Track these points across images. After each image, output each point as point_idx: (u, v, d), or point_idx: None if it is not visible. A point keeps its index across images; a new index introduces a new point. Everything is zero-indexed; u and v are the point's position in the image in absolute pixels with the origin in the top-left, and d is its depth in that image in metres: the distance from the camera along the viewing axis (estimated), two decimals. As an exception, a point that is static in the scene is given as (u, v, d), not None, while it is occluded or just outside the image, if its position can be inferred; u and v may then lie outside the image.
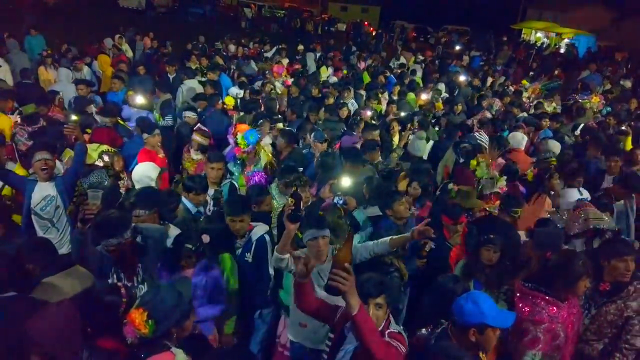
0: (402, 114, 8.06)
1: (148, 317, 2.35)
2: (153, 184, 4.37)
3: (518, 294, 3.19)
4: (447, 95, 10.93)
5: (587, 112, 9.47)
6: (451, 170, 6.32)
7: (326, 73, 12.56)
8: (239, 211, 3.77)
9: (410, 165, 5.82)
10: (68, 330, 2.38)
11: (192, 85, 8.93)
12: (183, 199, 4.25)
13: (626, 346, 3.16)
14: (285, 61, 13.18)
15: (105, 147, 5.40)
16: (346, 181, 4.22)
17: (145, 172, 4.46)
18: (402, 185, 5.23)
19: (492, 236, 3.66)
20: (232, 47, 15.33)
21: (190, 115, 6.75)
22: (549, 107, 10.00)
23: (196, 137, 5.64)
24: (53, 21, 16.79)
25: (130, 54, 13.12)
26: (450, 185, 4.75)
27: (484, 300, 2.59)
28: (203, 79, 9.44)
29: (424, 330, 2.84)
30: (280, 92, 9.78)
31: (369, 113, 7.93)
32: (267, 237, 3.82)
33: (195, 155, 5.68)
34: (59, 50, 11.41)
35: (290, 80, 10.69)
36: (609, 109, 10.12)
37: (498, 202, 4.91)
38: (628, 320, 3.16)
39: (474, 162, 5.39)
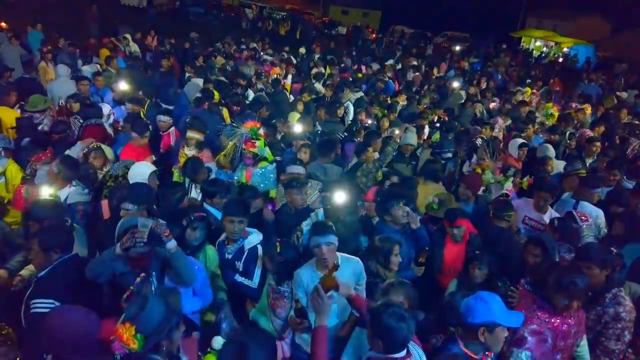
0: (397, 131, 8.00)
1: (136, 332, 2.27)
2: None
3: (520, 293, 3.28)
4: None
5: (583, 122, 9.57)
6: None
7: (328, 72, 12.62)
8: (240, 212, 3.71)
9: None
10: (83, 336, 2.36)
11: (195, 82, 9.03)
12: (206, 205, 4.15)
13: (601, 347, 3.26)
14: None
15: (95, 145, 5.43)
16: (340, 196, 4.25)
17: (143, 173, 4.41)
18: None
19: (477, 252, 3.79)
20: (234, 49, 15.39)
21: (164, 120, 6.33)
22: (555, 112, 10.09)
23: (191, 134, 5.59)
24: (54, 17, 16.76)
25: (135, 49, 13.11)
26: (430, 199, 4.77)
27: (494, 299, 2.62)
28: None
29: (433, 341, 2.90)
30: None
31: (369, 121, 7.83)
32: (259, 248, 3.75)
33: (189, 151, 5.59)
34: (55, 46, 11.42)
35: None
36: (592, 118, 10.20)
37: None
38: (606, 325, 3.24)
39: (478, 170, 5.46)
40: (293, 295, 3.34)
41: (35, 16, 13.75)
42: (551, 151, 6.82)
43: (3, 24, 12.46)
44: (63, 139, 5.74)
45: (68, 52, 10.93)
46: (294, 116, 7.55)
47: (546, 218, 4.90)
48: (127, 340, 2.26)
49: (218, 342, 2.43)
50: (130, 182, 4.30)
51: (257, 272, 3.68)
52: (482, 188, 5.47)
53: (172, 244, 3.02)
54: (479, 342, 2.58)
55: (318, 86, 10.71)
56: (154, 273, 3.16)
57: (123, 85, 7.52)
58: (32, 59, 10.11)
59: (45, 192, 4.12)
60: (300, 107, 8.28)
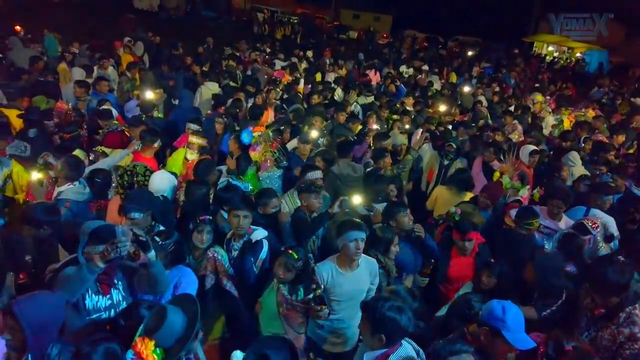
0: (406, 126, 8.09)
1: (156, 346, 2.18)
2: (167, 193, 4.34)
3: None
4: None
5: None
6: (436, 172, 6.64)
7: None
8: (242, 204, 3.74)
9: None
10: (49, 320, 2.30)
11: (211, 87, 9.04)
12: (223, 212, 4.14)
13: None
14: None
15: (100, 149, 5.54)
16: (357, 199, 4.27)
17: (162, 184, 4.39)
18: None
19: (491, 260, 3.84)
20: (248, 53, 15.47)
21: (194, 128, 6.19)
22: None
23: (193, 139, 5.57)
24: (69, 20, 16.99)
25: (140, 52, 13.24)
26: (453, 209, 4.72)
27: (514, 313, 2.60)
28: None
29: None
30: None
31: (375, 126, 7.90)
32: (265, 243, 3.80)
33: (191, 156, 5.56)
34: (68, 49, 11.64)
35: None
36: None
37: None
38: (621, 345, 3.13)
39: (497, 174, 5.45)
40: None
41: (55, 21, 13.97)
42: (575, 159, 6.81)
43: (17, 28, 12.64)
44: (74, 138, 5.82)
45: (87, 55, 11.09)
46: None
47: (562, 225, 4.87)
48: (147, 357, 2.17)
49: (237, 357, 2.33)
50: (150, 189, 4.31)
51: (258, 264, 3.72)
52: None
53: (152, 253, 2.84)
54: (480, 343, 2.59)
55: (339, 91, 10.81)
56: (120, 283, 2.99)
57: (149, 94, 7.55)
58: (49, 62, 10.26)
59: (35, 176, 4.12)
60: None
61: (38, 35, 12.52)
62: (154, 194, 4.08)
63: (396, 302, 2.61)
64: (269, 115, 8.25)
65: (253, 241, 3.77)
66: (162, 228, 3.59)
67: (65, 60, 10.04)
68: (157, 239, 3.28)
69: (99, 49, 12.32)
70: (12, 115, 6.42)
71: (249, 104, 8.45)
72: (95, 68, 9.86)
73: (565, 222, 4.91)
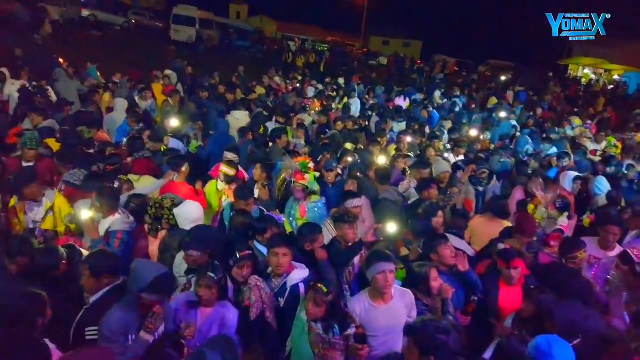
0: (446, 154, 8.01)
1: None
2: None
3: None
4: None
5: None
6: (474, 201, 6.34)
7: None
8: (282, 242, 3.62)
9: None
10: None
11: (237, 116, 9.18)
12: (256, 243, 4.08)
13: None
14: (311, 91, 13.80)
15: (124, 177, 5.50)
16: (392, 227, 4.18)
17: (191, 213, 4.34)
18: None
19: (531, 287, 3.67)
20: (277, 79, 15.75)
21: (232, 158, 6.03)
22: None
23: (223, 168, 5.53)
24: (109, 52, 17.80)
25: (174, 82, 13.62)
26: (502, 247, 4.43)
27: (560, 347, 2.54)
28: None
29: None
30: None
31: (409, 139, 7.94)
32: (302, 286, 3.58)
33: (220, 186, 5.52)
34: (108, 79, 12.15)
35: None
36: None
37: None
38: None
39: (531, 207, 5.21)
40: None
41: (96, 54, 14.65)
42: (602, 185, 6.57)
43: (61, 60, 13.25)
44: (116, 170, 5.92)
45: (127, 87, 11.53)
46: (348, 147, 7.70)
47: (612, 255, 4.57)
48: None
49: None
50: (179, 220, 4.27)
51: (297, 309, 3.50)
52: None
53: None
54: None
55: (374, 118, 11.06)
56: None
57: (174, 122, 7.75)
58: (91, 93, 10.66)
59: (85, 214, 4.19)
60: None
61: (81, 67, 13.09)
62: (216, 233, 4.09)
63: (442, 325, 2.64)
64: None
65: (288, 289, 3.59)
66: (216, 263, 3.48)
67: (109, 90, 10.47)
68: (212, 274, 3.23)
69: (137, 80, 12.78)
70: (51, 141, 6.54)
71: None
72: (137, 99, 10.19)
73: (617, 253, 4.61)
